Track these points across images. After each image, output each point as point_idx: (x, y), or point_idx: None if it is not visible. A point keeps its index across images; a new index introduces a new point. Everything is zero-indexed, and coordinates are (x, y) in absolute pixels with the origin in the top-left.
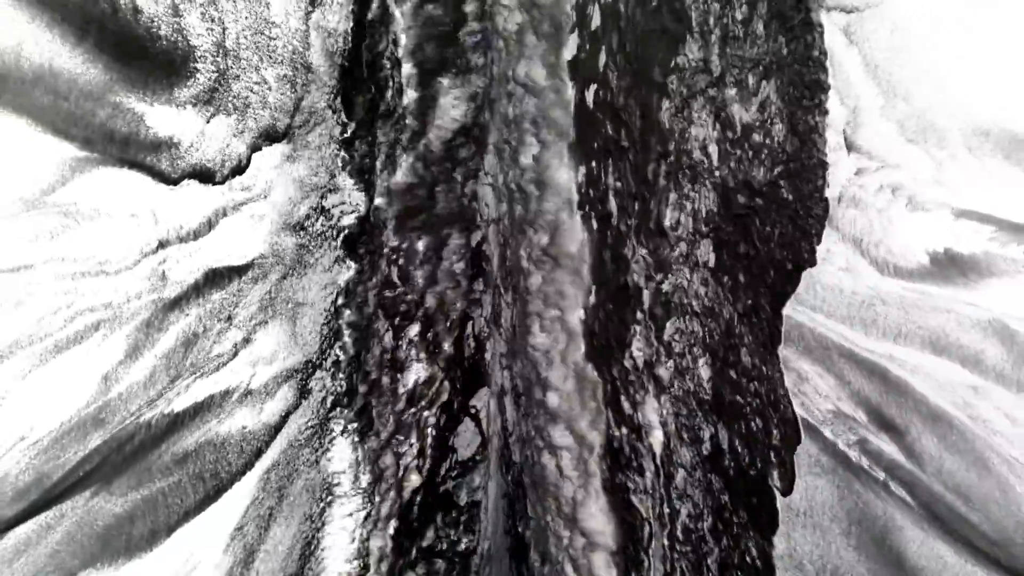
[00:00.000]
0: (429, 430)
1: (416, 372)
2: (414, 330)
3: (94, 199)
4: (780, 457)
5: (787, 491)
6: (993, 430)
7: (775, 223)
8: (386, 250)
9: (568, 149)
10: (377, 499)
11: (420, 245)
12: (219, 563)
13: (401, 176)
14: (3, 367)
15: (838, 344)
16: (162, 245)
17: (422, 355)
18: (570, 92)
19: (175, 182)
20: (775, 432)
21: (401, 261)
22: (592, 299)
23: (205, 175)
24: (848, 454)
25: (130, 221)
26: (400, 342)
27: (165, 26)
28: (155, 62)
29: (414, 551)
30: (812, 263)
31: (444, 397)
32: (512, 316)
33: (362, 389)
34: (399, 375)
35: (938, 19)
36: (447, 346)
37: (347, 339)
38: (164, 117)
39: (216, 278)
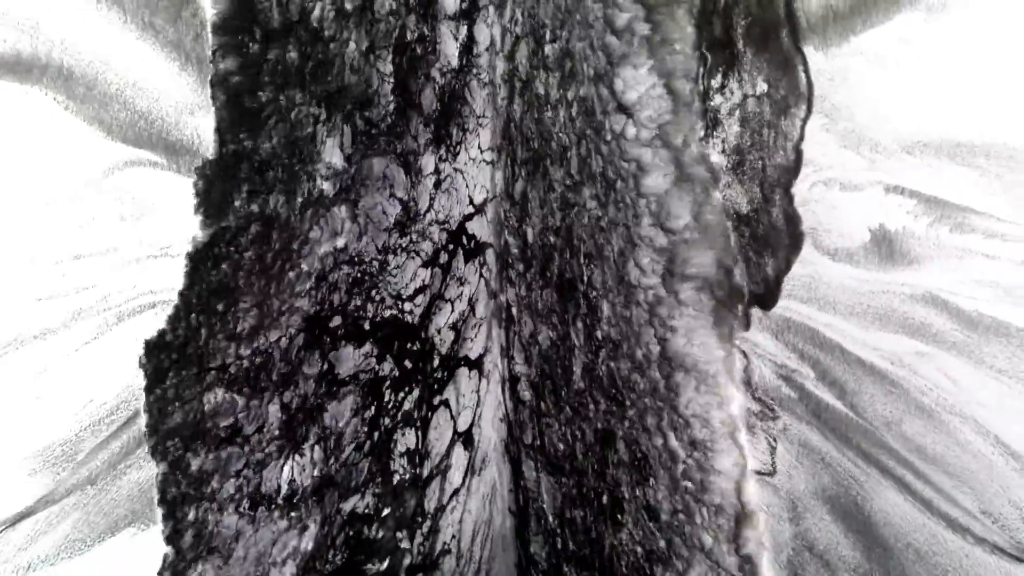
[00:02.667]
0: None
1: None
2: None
3: (155, 187)
4: None
5: None
6: (936, 385)
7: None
8: None
9: None
10: None
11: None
12: None
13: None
14: (62, 338)
15: (785, 317)
16: None
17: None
18: None
19: None
20: None
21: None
22: None
23: None
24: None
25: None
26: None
27: None
28: None
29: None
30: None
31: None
32: (515, 295)
33: None
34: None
35: (879, 56)
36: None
37: None
38: None
39: None
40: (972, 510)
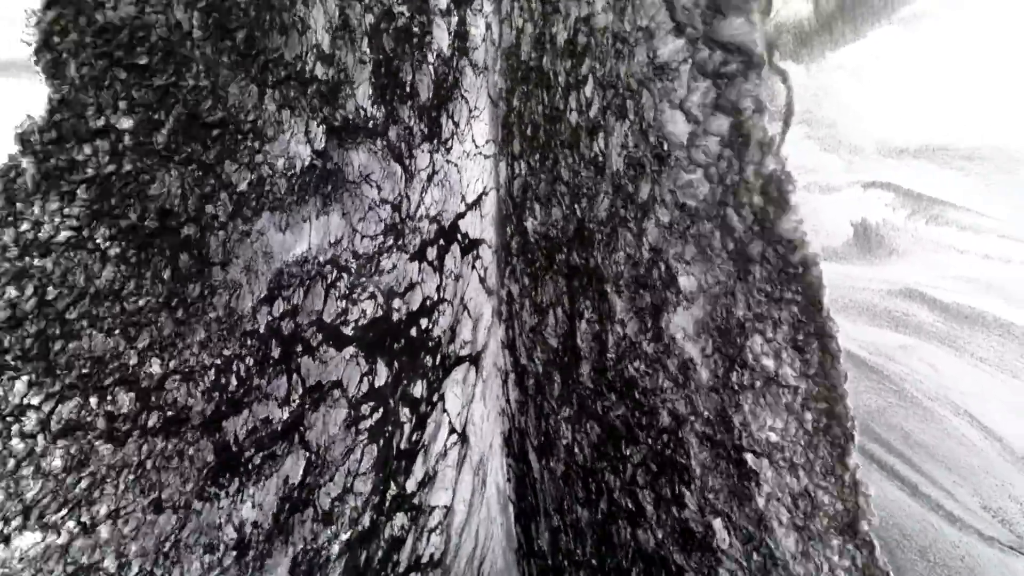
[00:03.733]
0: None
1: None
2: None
3: None
4: None
5: None
6: (918, 373)
7: None
8: None
9: None
10: None
11: None
12: None
13: None
14: None
15: None
16: None
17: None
18: None
19: None
20: None
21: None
22: None
23: None
24: None
25: None
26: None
27: None
28: None
29: None
30: None
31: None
32: (517, 289)
33: None
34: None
35: (858, 70)
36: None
37: None
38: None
39: None
40: (959, 496)
